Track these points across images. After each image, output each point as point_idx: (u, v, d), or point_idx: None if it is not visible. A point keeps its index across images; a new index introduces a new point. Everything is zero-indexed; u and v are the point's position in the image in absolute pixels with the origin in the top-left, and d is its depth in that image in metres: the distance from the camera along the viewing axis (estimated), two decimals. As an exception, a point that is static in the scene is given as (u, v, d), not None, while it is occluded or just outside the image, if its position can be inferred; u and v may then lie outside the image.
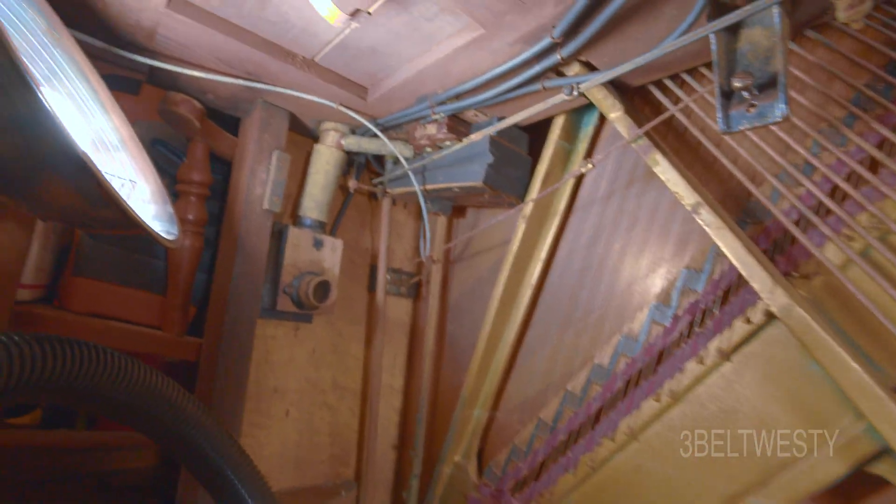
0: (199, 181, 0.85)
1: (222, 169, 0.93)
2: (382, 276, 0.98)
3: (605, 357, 0.66)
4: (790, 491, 0.48)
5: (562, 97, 0.57)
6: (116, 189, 0.41)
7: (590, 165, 0.62)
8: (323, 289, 0.81)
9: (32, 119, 0.36)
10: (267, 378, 0.88)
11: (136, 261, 0.85)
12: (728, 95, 0.44)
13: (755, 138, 0.56)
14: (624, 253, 0.70)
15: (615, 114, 0.62)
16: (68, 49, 0.51)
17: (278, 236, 0.85)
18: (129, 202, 0.41)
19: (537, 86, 0.63)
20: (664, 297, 0.63)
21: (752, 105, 0.42)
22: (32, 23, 0.48)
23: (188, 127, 0.81)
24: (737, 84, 0.41)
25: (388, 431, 1.08)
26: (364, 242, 1.05)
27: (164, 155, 0.88)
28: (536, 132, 0.84)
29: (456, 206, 1.02)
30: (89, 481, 1.02)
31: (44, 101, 0.36)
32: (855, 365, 0.42)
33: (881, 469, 0.44)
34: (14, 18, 0.46)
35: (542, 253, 0.81)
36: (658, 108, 0.68)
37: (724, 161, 0.57)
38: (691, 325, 0.58)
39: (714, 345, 0.55)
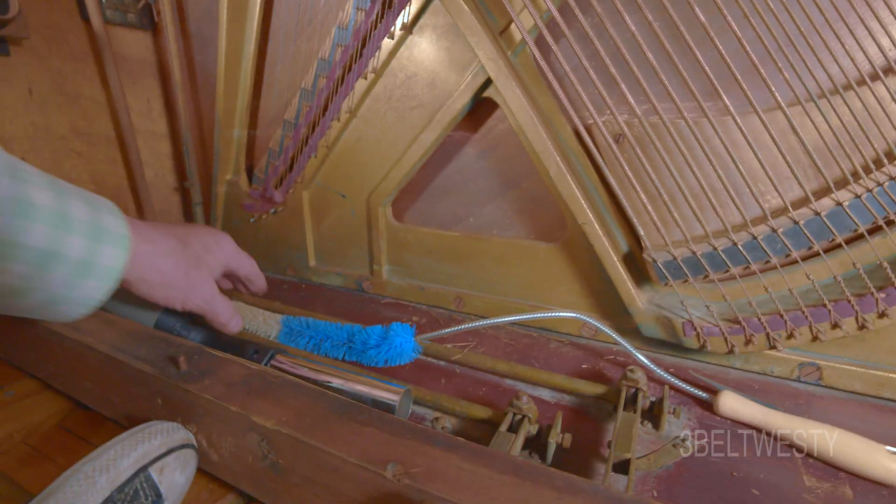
0: None
1: None
2: (90, -4, 0.84)
3: (327, 50, 0.74)
4: (444, 121, 0.68)
5: None
6: None
7: None
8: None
9: None
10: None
11: None
12: None
13: None
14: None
15: None
16: None
17: None
18: None
19: None
20: (368, -14, 0.69)
21: None
22: None
23: None
24: None
25: (164, 178, 1.10)
26: (52, -46, 0.85)
27: None
28: None
29: None
30: None
31: None
32: (467, 8, 0.57)
33: (489, 93, 0.64)
34: None
35: (263, -46, 0.77)
36: None
37: None
38: (384, 4, 0.67)
39: (399, 21, 0.66)
